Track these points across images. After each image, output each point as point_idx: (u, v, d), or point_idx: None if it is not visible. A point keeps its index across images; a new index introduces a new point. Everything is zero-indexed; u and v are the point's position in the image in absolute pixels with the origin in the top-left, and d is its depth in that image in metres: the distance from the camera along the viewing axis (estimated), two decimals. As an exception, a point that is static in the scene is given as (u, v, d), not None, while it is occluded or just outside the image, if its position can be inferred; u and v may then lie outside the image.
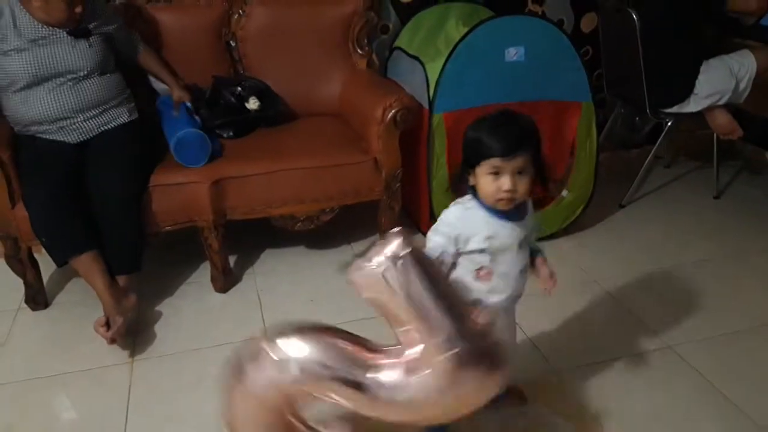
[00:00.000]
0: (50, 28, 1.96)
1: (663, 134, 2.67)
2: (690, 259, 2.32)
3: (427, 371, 1.00)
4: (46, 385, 1.76)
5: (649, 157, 2.74)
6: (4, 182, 1.91)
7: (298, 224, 2.21)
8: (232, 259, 2.25)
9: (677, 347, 1.85)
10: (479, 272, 1.32)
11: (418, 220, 2.44)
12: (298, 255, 2.37)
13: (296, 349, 1.06)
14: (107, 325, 1.82)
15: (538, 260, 1.41)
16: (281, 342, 1.08)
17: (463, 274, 1.33)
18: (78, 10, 1.95)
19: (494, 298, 1.34)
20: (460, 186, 1.33)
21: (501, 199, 1.25)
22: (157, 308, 2.07)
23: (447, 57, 2.11)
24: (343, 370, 1.04)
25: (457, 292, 1.16)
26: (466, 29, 2.12)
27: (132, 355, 1.86)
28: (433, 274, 1.04)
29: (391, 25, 2.71)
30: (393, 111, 2.13)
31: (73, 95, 1.99)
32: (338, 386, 1.04)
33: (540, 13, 2.88)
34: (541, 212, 2.36)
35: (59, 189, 1.87)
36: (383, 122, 2.14)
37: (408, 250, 1.01)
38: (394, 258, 1.00)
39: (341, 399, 1.05)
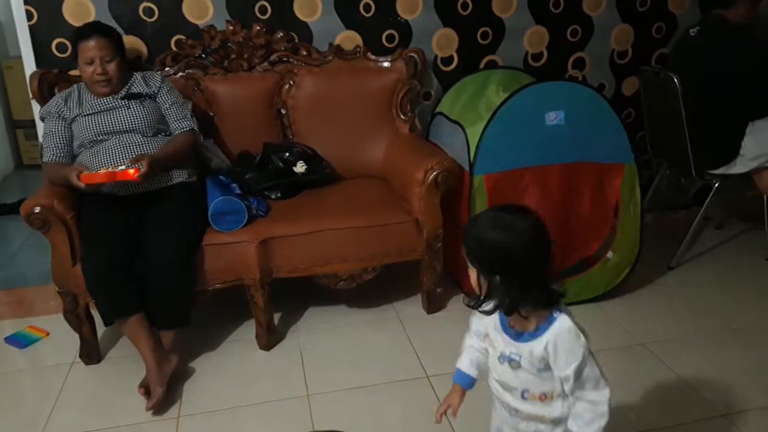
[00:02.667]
0: (108, 99, 2.19)
1: (710, 195, 2.63)
2: (743, 323, 2.24)
3: None
4: (94, 438, 1.81)
5: (697, 219, 2.69)
6: (67, 241, 2.03)
7: (341, 283, 2.25)
8: (276, 317, 2.29)
9: (733, 416, 1.76)
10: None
11: (460, 280, 2.45)
12: (340, 313, 2.40)
13: None
14: (148, 392, 1.88)
15: None
16: None
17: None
18: (96, 69, 2.13)
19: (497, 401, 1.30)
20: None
21: None
22: (203, 364, 2.11)
23: (488, 121, 2.17)
24: None
25: None
26: (506, 95, 2.19)
27: (178, 410, 1.89)
28: None
29: (433, 92, 2.81)
30: (434, 173, 2.19)
31: (135, 149, 2.13)
32: None
33: (580, 78, 2.94)
34: (587, 274, 2.34)
35: (113, 253, 1.97)
36: (424, 184, 2.20)
37: None
38: None
39: None
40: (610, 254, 2.35)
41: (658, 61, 3.01)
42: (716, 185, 2.61)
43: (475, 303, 1.18)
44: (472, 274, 1.19)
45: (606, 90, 2.99)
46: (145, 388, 1.89)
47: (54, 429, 1.84)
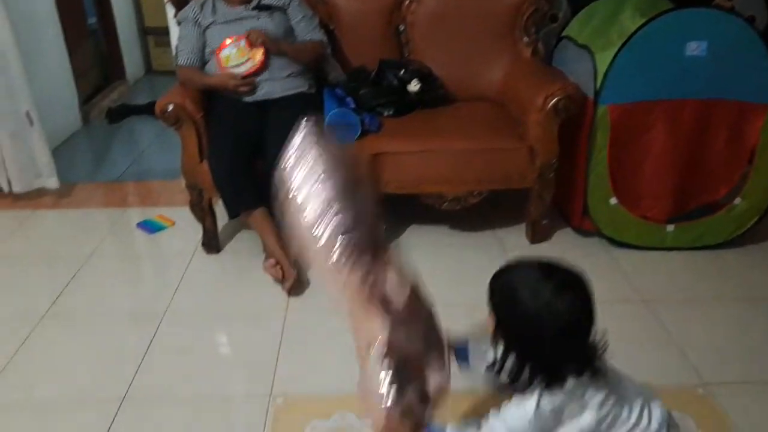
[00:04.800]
0: (240, 9, 2.28)
1: None
2: None
3: None
4: (211, 320, 1.98)
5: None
6: (196, 139, 2.17)
7: (446, 204, 2.27)
8: (380, 230, 2.36)
9: None
10: None
11: (569, 213, 2.39)
12: (442, 234, 2.43)
13: None
14: (277, 268, 2.03)
15: None
16: None
17: None
18: None
19: None
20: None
21: None
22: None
23: (620, 47, 2.03)
24: None
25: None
26: (643, 20, 2.03)
27: (287, 303, 2.03)
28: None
29: (560, 14, 2.66)
30: (555, 99, 2.10)
31: None
32: None
33: (729, 7, 2.66)
34: (709, 219, 2.21)
35: (239, 151, 2.11)
36: (543, 110, 2.12)
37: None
38: None
39: None
40: (738, 200, 2.19)
41: (825, -7, 2.66)
42: None
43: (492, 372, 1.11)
44: (490, 322, 1.08)
45: (757, 23, 2.69)
46: (275, 261, 2.05)
47: (177, 307, 2.04)
